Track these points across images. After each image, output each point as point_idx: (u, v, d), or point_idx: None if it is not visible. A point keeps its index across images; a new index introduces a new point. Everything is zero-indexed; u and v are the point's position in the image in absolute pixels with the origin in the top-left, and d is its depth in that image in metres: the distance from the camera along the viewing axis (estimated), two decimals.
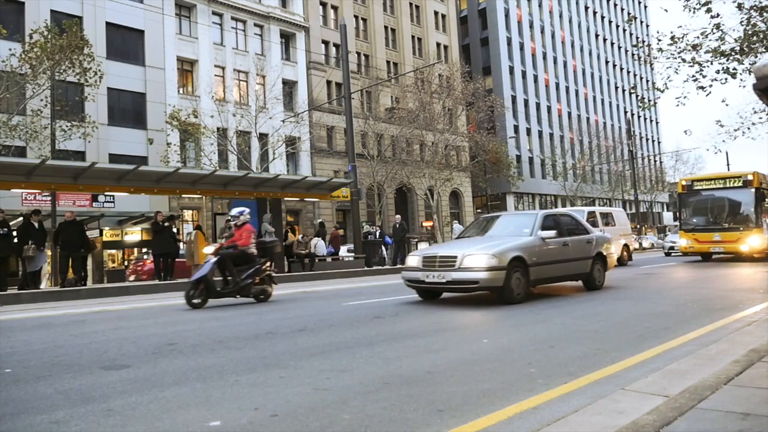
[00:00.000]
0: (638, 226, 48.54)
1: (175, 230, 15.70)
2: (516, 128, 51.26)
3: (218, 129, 28.34)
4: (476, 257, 7.70)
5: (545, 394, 3.41)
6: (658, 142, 76.98)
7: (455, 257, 7.83)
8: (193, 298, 8.62)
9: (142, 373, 4.20)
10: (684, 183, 19.23)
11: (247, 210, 9.95)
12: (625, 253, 18.53)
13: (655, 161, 69.77)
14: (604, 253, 10.02)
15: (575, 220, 9.99)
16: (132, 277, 19.93)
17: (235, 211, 9.95)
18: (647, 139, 74.07)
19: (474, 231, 9.95)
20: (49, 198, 20.64)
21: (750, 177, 17.34)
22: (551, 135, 55.91)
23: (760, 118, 17.70)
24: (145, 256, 21.62)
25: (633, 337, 5.28)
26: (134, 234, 27.79)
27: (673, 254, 24.54)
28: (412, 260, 8.55)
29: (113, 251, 28.19)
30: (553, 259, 8.71)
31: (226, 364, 4.47)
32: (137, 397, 3.52)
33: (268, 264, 9.65)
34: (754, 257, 17.51)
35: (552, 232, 8.65)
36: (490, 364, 4.31)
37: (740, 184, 17.55)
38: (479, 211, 48.66)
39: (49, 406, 3.39)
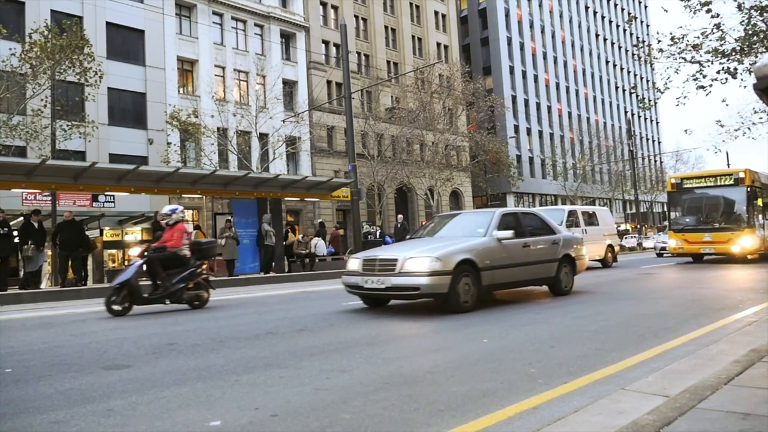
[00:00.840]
0: (638, 226, 48.54)
1: None
2: (516, 128, 51.26)
3: (218, 129, 28.34)
4: (418, 260, 6.95)
5: (545, 394, 3.41)
6: (659, 142, 76.98)
7: (395, 260, 7.07)
8: (113, 304, 7.87)
9: (142, 373, 4.20)
10: (674, 181, 18.46)
11: (180, 208, 9.22)
12: (609, 254, 17.83)
13: (655, 161, 69.76)
14: (573, 255, 9.24)
15: (540, 220, 9.24)
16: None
17: (166, 209, 9.24)
18: (647, 139, 74.06)
19: (426, 231, 9.19)
20: (49, 198, 20.64)
21: (742, 174, 16.65)
22: (551, 135, 55.90)
23: (761, 118, 17.73)
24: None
25: (633, 337, 5.28)
26: (134, 234, 27.79)
27: (665, 255, 23.56)
28: (353, 263, 7.75)
29: (113, 251, 28.19)
30: (511, 262, 7.95)
31: (226, 363, 4.47)
32: (137, 397, 3.52)
33: (204, 267, 8.93)
34: (747, 258, 16.89)
35: (509, 233, 7.88)
36: (491, 364, 4.31)
37: (732, 182, 16.83)
38: None
39: (49, 406, 3.39)
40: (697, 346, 4.70)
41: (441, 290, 6.92)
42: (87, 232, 15.05)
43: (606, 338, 5.29)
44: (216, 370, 4.24)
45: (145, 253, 8.48)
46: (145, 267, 8.41)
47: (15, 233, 13.11)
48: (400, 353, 4.75)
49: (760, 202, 17.14)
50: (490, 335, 5.60)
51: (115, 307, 7.86)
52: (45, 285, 17.09)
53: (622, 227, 53.32)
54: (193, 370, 4.26)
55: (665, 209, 19.35)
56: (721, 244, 16.44)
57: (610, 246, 17.89)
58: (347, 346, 5.15)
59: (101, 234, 25.35)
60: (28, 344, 5.72)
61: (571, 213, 16.69)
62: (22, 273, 15.30)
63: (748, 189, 16.41)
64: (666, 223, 19.74)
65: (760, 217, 17.10)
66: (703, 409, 2.83)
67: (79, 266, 13.90)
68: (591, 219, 17.70)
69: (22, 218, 14.00)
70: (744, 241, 15.99)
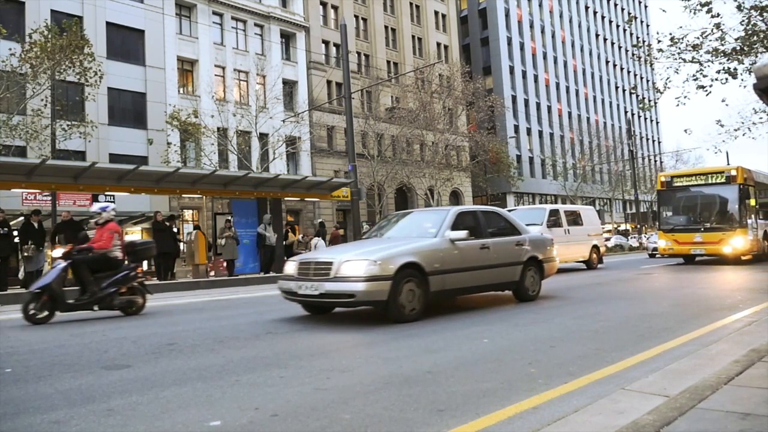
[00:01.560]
0: (638, 226, 48.55)
1: (175, 230, 15.71)
2: (516, 128, 51.26)
3: (218, 129, 28.34)
4: (354, 264, 6.26)
5: (545, 394, 3.41)
6: (659, 142, 76.98)
7: (330, 264, 6.38)
8: (32, 311, 7.12)
9: (142, 373, 4.20)
10: (663, 179, 17.70)
11: (111, 206, 8.41)
12: (594, 255, 17.17)
13: (655, 161, 69.76)
14: (541, 258, 8.50)
15: (503, 219, 8.53)
16: None
17: (96, 207, 8.41)
18: (647, 139, 74.06)
19: (375, 231, 8.45)
20: (49, 198, 20.64)
21: (734, 172, 16.01)
22: (551, 135, 55.91)
23: (761, 118, 17.72)
24: None
25: (633, 337, 5.28)
26: (134, 234, 27.78)
27: (657, 256, 22.52)
28: (289, 267, 7.04)
29: None
30: (467, 265, 7.23)
31: (226, 363, 4.47)
32: (137, 397, 3.52)
33: (139, 270, 8.19)
34: (741, 259, 16.32)
35: (463, 233, 7.17)
36: (491, 363, 4.31)
37: (723, 180, 16.12)
38: None
39: (49, 405, 3.39)
40: (697, 346, 4.70)
41: (379, 297, 6.20)
42: (87, 232, 15.04)
43: (606, 338, 5.29)
44: (216, 370, 4.23)
45: (71, 255, 7.67)
46: (71, 270, 7.68)
47: (15, 233, 13.12)
48: (399, 353, 4.75)
49: (752, 201, 16.49)
50: (490, 335, 5.60)
51: (34, 314, 7.13)
52: None
53: (622, 227, 53.37)
54: (193, 370, 4.26)
55: (655, 208, 18.45)
56: (712, 245, 15.88)
57: (595, 247, 17.26)
58: (347, 345, 5.15)
59: None
60: (27, 344, 5.72)
61: (553, 212, 16.03)
62: (21, 273, 15.29)
63: (741, 187, 15.77)
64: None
65: (754, 216, 16.48)
66: (703, 409, 2.83)
67: None
68: (575, 219, 17.04)
69: (22, 218, 14.00)
70: (736, 242, 15.41)
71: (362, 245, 7.34)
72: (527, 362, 4.31)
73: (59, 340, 5.87)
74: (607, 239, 39.49)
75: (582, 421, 2.82)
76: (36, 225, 13.05)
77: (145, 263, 13.83)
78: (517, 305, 7.86)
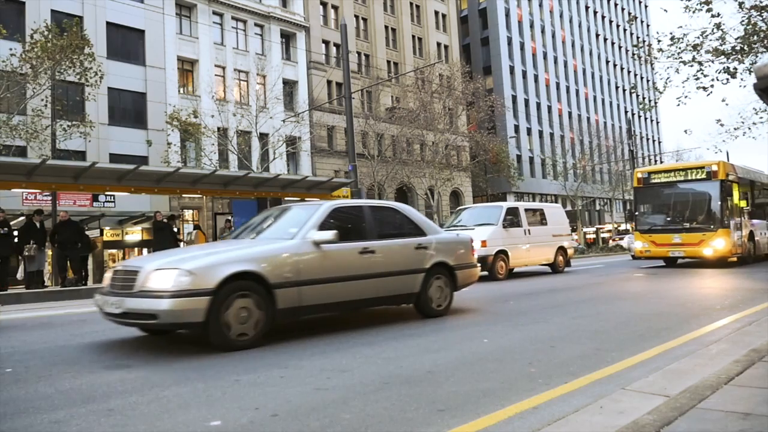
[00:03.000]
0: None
1: (175, 230, 15.71)
2: (516, 128, 51.25)
3: (218, 129, 28.34)
4: (163, 274, 4.92)
5: (546, 394, 3.41)
6: (659, 142, 76.96)
7: (136, 273, 5.03)
8: None
9: (142, 373, 4.21)
10: (640, 175, 16.45)
11: None
12: (560, 258, 15.64)
13: (655, 161, 69.74)
14: (452, 264, 7.04)
15: (403, 217, 7.05)
16: None
17: None
18: (648, 139, 74.04)
19: (242, 229, 6.94)
20: (49, 198, 20.62)
21: (714, 167, 14.84)
22: (551, 135, 55.89)
23: (761, 117, 17.71)
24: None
25: (633, 337, 5.28)
26: (135, 234, 27.77)
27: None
28: (107, 275, 5.66)
29: (114, 251, 28.18)
30: (337, 274, 5.85)
31: (226, 363, 4.47)
32: (137, 397, 3.52)
33: None
34: (727, 261, 15.34)
35: (329, 234, 5.76)
36: (491, 363, 4.31)
37: (703, 175, 14.97)
38: None
39: (49, 405, 3.39)
40: (697, 346, 4.70)
41: (193, 318, 4.82)
42: (87, 232, 15.05)
43: (606, 338, 5.29)
44: (216, 370, 4.24)
45: None
46: None
47: (15, 233, 13.12)
48: (399, 353, 4.75)
49: (736, 198, 15.35)
50: (490, 335, 5.60)
51: None
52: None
53: (623, 227, 53.32)
54: (193, 370, 4.26)
55: (631, 207, 17.27)
56: (692, 247, 14.77)
57: (562, 249, 15.74)
58: (347, 345, 5.15)
59: (101, 234, 25.34)
60: (28, 344, 5.72)
61: (511, 211, 14.47)
62: (20, 273, 15.30)
63: (722, 184, 14.65)
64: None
65: (738, 215, 15.34)
66: (703, 409, 2.83)
67: (79, 266, 13.90)
68: (538, 218, 15.52)
69: (23, 218, 14.01)
70: (717, 243, 14.32)
71: (196, 249, 6.16)
72: (527, 362, 4.31)
73: (60, 340, 5.88)
74: (621, 239, 38.98)
75: (582, 421, 2.82)
76: (38, 225, 13.05)
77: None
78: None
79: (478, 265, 7.89)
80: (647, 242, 15.58)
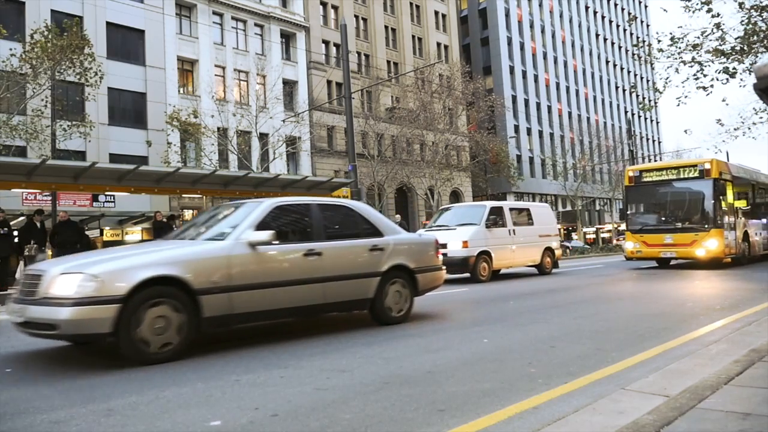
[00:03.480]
0: None
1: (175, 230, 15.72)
2: (516, 128, 51.25)
3: (218, 129, 28.34)
4: (66, 279, 4.44)
5: (545, 394, 3.41)
6: (659, 142, 76.97)
7: (40, 277, 4.58)
8: None
9: (142, 373, 4.20)
10: (631, 174, 15.98)
11: None
12: (547, 259, 14.96)
13: (655, 161, 69.78)
14: (413, 267, 6.53)
15: (358, 216, 6.53)
16: None
17: None
18: (648, 139, 74.05)
19: (185, 228, 6.48)
20: (49, 198, 20.64)
21: (707, 166, 14.42)
22: (551, 135, 55.90)
23: (761, 117, 17.71)
24: None
25: (633, 337, 5.27)
26: (135, 234, 27.77)
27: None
28: (19, 278, 5.32)
29: None
30: (276, 278, 5.37)
31: (226, 364, 4.47)
32: (137, 397, 3.52)
33: None
34: (723, 262, 14.91)
35: (267, 234, 5.29)
36: (491, 364, 4.32)
37: (696, 174, 14.53)
38: None
39: (49, 405, 3.39)
40: (697, 346, 4.70)
41: (98, 329, 4.35)
42: (87, 232, 15.05)
43: (606, 338, 5.29)
44: (216, 370, 4.24)
45: None
46: None
47: (15, 233, 13.11)
48: (399, 353, 4.75)
49: (730, 197, 14.88)
50: (490, 335, 5.60)
51: None
52: None
53: (623, 227, 53.39)
54: (192, 370, 4.26)
55: (622, 206, 16.69)
56: (684, 247, 14.29)
57: (549, 249, 15.08)
58: (347, 345, 5.16)
59: (101, 234, 25.34)
60: (28, 344, 5.72)
61: (495, 210, 13.76)
62: (18, 273, 15.27)
63: (716, 182, 14.19)
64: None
65: (731, 214, 14.89)
66: (703, 409, 2.83)
67: None
68: (524, 218, 14.88)
69: (24, 218, 14.00)
70: (710, 244, 13.88)
71: (114, 250, 5.74)
72: (527, 362, 4.31)
73: (59, 341, 5.86)
74: (623, 238, 38.49)
75: (582, 421, 2.82)
76: (38, 225, 13.04)
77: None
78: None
79: (443, 268, 7.31)
80: (638, 242, 15.12)
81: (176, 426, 2.98)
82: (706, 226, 14.09)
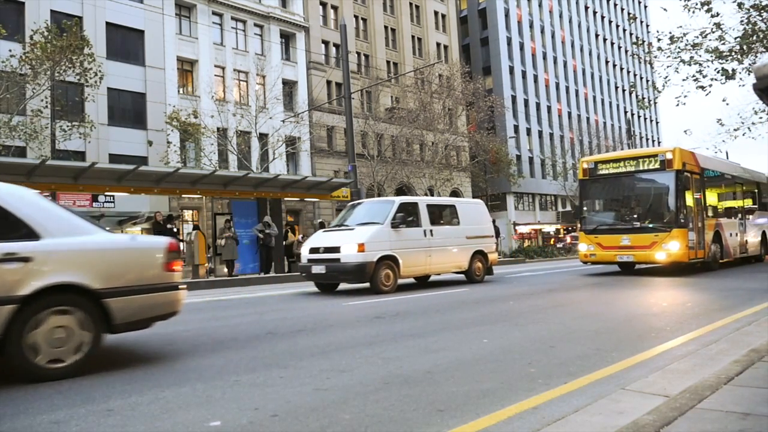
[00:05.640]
0: None
1: (175, 230, 15.73)
2: (516, 128, 51.27)
3: (218, 129, 28.34)
4: None
5: (545, 394, 3.41)
6: (659, 142, 76.96)
7: None
8: None
9: (141, 373, 4.20)
10: (585, 165, 14.10)
11: None
12: (478, 265, 12.58)
13: None
14: (97, 287, 4.24)
15: None
16: None
17: None
18: (647, 139, 74.05)
19: None
20: (49, 198, 20.64)
21: (669, 155, 12.59)
22: (551, 135, 55.92)
23: (761, 118, 17.72)
24: None
25: (633, 337, 5.28)
26: (134, 234, 27.80)
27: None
28: None
29: None
30: None
31: (226, 364, 4.47)
32: (137, 397, 3.52)
33: None
34: (697, 267, 13.31)
35: None
36: (491, 364, 4.32)
37: (656, 165, 12.75)
38: None
39: (49, 406, 3.39)
40: (697, 346, 4.70)
41: None
42: None
43: (606, 338, 5.29)
44: (216, 370, 4.24)
45: None
46: None
47: None
48: (399, 353, 4.75)
49: (696, 192, 13.10)
50: (490, 335, 5.60)
51: None
52: None
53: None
54: (192, 370, 4.26)
55: (576, 203, 14.80)
56: (642, 250, 12.47)
57: (480, 254, 12.69)
58: (347, 346, 5.15)
59: None
60: None
61: (405, 207, 11.35)
62: None
63: (679, 175, 12.44)
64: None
65: (698, 213, 13.10)
66: (703, 409, 2.83)
67: None
68: (446, 216, 12.60)
69: None
70: (671, 246, 12.07)
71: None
72: (527, 362, 4.31)
73: None
74: None
75: (582, 421, 2.82)
76: None
77: None
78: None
79: (181, 286, 4.90)
80: (593, 244, 13.32)
81: (176, 426, 2.98)
82: (668, 225, 12.32)
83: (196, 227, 18.23)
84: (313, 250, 10.98)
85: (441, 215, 12.44)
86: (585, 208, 14.10)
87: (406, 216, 11.18)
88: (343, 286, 11.75)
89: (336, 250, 10.49)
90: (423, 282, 12.86)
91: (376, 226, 10.74)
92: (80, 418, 3.13)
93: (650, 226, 12.59)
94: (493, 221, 15.10)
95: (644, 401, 3.04)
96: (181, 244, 17.40)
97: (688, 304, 7.61)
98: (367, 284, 10.58)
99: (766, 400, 2.93)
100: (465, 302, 8.80)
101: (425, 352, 4.77)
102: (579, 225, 14.13)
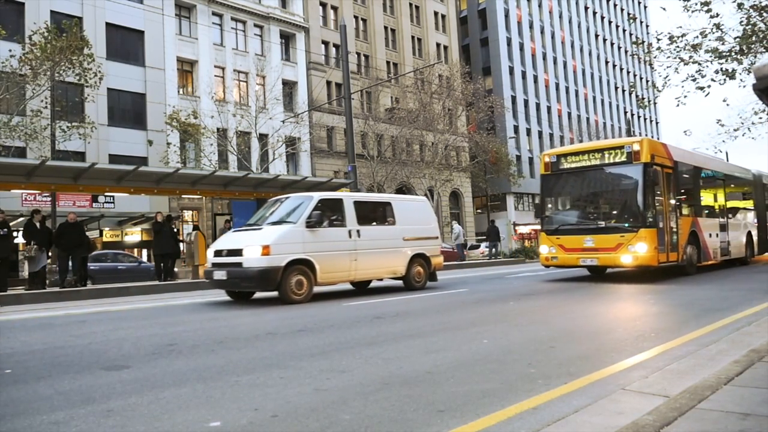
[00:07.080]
0: None
1: (175, 231, 15.72)
2: (516, 128, 51.28)
3: (218, 129, 28.35)
4: None
5: (545, 395, 3.41)
6: None
7: None
8: None
9: (142, 374, 4.20)
10: (547, 159, 12.76)
11: None
12: (418, 269, 11.10)
13: None
14: None
15: None
16: None
17: None
18: None
19: None
20: (49, 198, 20.64)
21: (636, 147, 11.31)
22: (551, 135, 55.94)
23: (761, 118, 17.74)
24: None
25: (633, 337, 5.27)
26: (134, 234, 27.78)
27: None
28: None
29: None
30: None
31: (226, 364, 4.47)
32: (137, 398, 3.52)
33: None
34: (678, 270, 12.24)
35: None
36: (491, 364, 4.31)
37: (623, 158, 11.47)
38: (479, 211, 48.67)
39: (49, 406, 3.39)
40: (697, 346, 4.70)
41: None
42: (87, 233, 15.04)
43: (606, 338, 5.29)
44: (216, 371, 4.23)
45: None
46: None
47: (15, 234, 13.10)
48: (399, 353, 4.75)
49: (669, 188, 11.90)
50: (490, 335, 5.60)
51: None
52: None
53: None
54: (192, 371, 4.26)
55: (537, 201, 13.75)
56: (607, 253, 11.25)
57: (421, 257, 11.24)
58: (347, 346, 5.15)
59: (101, 235, 25.34)
60: (27, 345, 5.72)
61: (326, 203, 9.90)
62: (24, 273, 15.27)
63: (647, 169, 11.15)
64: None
65: (669, 211, 11.81)
66: (703, 409, 2.83)
67: (80, 267, 13.88)
68: (379, 215, 11.02)
69: (23, 218, 13.98)
70: (639, 248, 10.88)
71: None
72: (527, 362, 4.31)
73: (59, 341, 5.87)
74: None
75: (582, 421, 2.82)
76: (38, 225, 13.02)
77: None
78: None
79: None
80: (554, 246, 12.12)
81: (176, 426, 2.98)
82: (635, 225, 11.11)
83: (196, 227, 18.22)
84: (217, 253, 9.59)
85: (372, 214, 10.88)
86: (549, 206, 12.87)
87: (327, 214, 9.76)
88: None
89: (239, 253, 9.03)
90: (363, 289, 11.49)
91: (287, 226, 9.35)
92: (80, 419, 3.13)
93: (615, 225, 11.46)
94: (493, 221, 15.07)
95: (644, 401, 3.04)
96: (181, 245, 17.40)
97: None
98: (275, 293, 9.22)
99: (766, 401, 2.93)
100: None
101: (425, 353, 4.76)
102: (540, 225, 12.91)
